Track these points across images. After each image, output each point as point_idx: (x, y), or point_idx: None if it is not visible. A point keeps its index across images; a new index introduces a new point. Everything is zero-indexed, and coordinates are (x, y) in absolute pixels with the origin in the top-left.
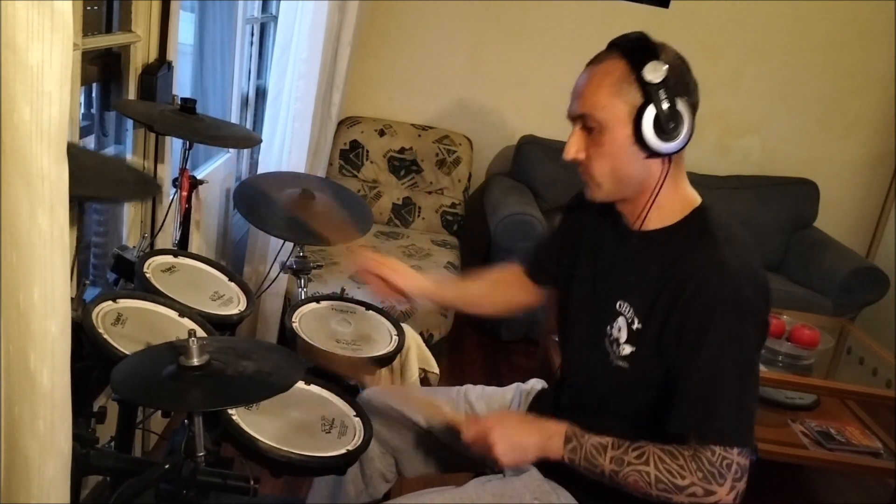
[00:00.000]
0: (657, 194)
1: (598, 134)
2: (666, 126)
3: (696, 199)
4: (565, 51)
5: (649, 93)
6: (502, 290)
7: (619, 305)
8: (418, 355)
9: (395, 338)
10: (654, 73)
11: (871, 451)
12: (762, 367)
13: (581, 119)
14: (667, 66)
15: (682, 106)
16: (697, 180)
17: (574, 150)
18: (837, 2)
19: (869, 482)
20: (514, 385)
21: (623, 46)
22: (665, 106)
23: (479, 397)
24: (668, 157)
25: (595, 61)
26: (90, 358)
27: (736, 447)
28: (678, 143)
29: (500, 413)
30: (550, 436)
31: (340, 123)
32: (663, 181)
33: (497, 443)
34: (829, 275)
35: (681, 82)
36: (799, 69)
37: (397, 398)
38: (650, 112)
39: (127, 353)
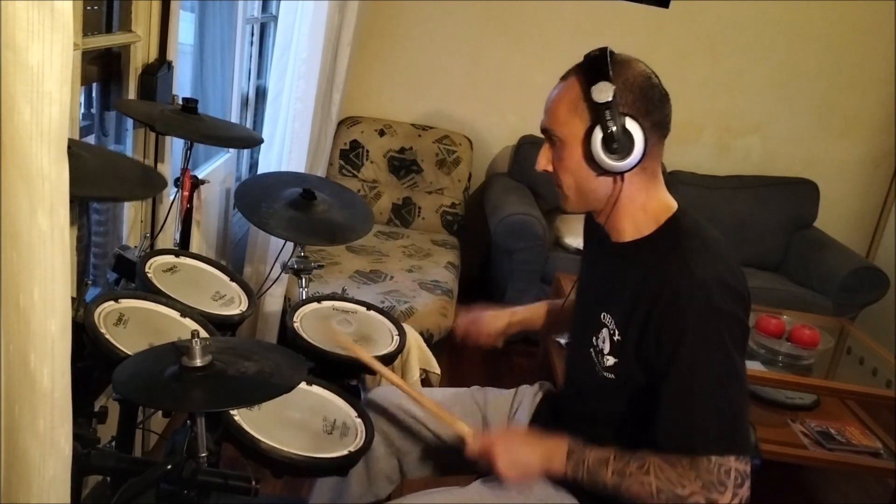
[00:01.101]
0: (612, 210)
1: (560, 149)
2: (610, 146)
3: (671, 206)
4: (565, 51)
5: (597, 113)
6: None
7: (603, 317)
8: (419, 355)
9: (397, 338)
10: (601, 93)
11: (871, 451)
12: (762, 367)
13: (546, 133)
14: (615, 86)
15: (632, 126)
16: (697, 180)
17: (543, 161)
18: (837, 2)
19: (869, 482)
20: (522, 387)
21: (583, 64)
22: (612, 127)
23: (487, 401)
24: (621, 175)
25: (563, 77)
26: (92, 358)
27: (731, 454)
28: (628, 163)
29: (504, 429)
30: (553, 452)
31: (340, 123)
32: (616, 199)
33: (500, 458)
34: (829, 275)
35: (639, 100)
36: (799, 69)
37: (406, 398)
38: (597, 132)
39: (129, 353)
